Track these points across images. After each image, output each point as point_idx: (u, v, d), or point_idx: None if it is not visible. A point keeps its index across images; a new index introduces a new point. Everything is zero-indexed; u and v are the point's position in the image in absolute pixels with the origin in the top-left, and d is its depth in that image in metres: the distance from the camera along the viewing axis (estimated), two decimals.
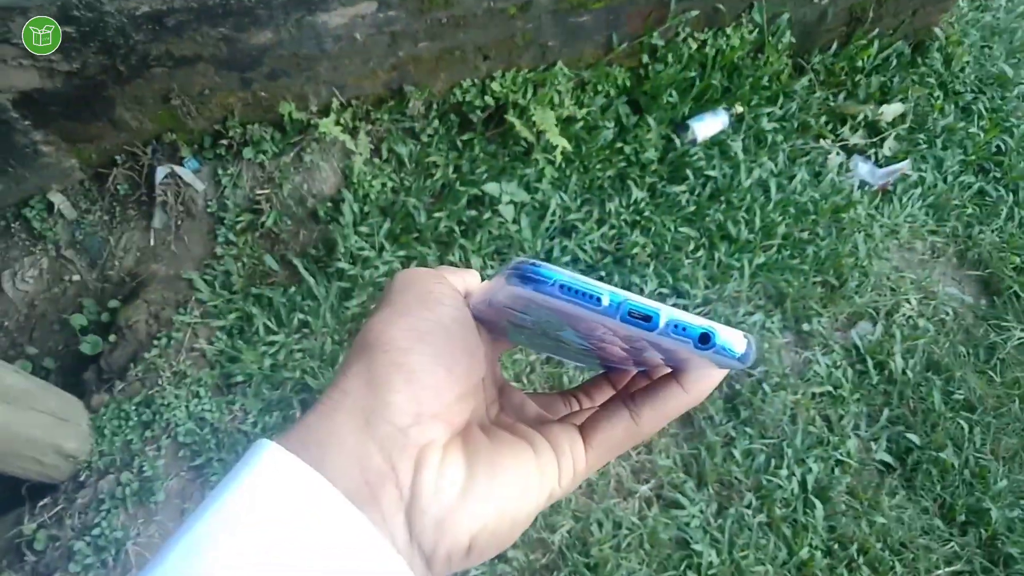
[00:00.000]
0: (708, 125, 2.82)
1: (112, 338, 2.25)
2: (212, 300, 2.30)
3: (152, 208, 2.41)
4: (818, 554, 2.15)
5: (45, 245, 2.38)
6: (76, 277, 2.39)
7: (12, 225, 2.38)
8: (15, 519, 1.96)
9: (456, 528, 0.36)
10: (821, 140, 3.01)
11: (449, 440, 0.38)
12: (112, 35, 2.02)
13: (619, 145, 2.74)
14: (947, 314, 2.71)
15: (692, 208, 2.68)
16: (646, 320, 0.33)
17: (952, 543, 2.25)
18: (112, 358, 2.21)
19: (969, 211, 2.97)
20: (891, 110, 3.09)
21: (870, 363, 2.53)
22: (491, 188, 2.50)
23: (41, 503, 1.97)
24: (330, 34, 2.28)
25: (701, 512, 2.18)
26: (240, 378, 2.18)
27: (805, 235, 2.72)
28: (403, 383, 0.36)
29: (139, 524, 1.93)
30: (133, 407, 2.08)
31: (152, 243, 2.40)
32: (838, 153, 3.00)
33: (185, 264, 2.39)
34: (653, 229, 2.61)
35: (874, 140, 3.06)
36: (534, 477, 0.41)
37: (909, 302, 2.70)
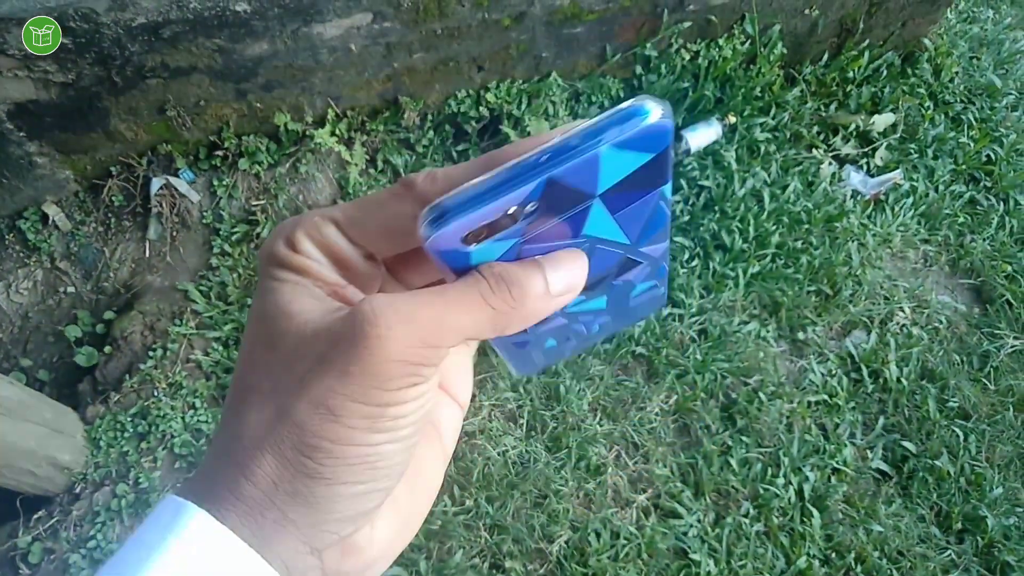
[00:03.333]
0: (701, 135, 2.83)
1: (107, 350, 2.24)
2: (208, 311, 2.29)
3: (147, 219, 2.40)
4: (816, 563, 2.15)
5: (39, 257, 2.37)
6: (71, 289, 2.38)
7: (6, 237, 2.37)
8: (10, 532, 1.95)
9: (377, 571, 0.36)
10: (813, 150, 3.03)
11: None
12: (108, 46, 2.03)
13: None
14: (940, 322, 2.72)
15: (686, 218, 2.69)
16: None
17: (949, 551, 2.25)
18: (107, 369, 2.20)
19: (960, 220, 2.99)
20: (882, 120, 3.11)
21: (865, 371, 2.54)
22: None
23: (36, 515, 1.96)
24: (325, 45, 2.29)
25: (699, 521, 2.18)
26: None
27: (799, 244, 2.74)
28: (334, 503, 0.32)
29: None
30: (128, 418, 2.07)
31: (147, 254, 2.40)
32: (830, 163, 3.02)
33: (180, 275, 2.38)
34: None
35: (866, 150, 3.08)
36: (441, 465, 0.40)
37: (903, 311, 2.71)
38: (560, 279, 0.34)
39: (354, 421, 0.31)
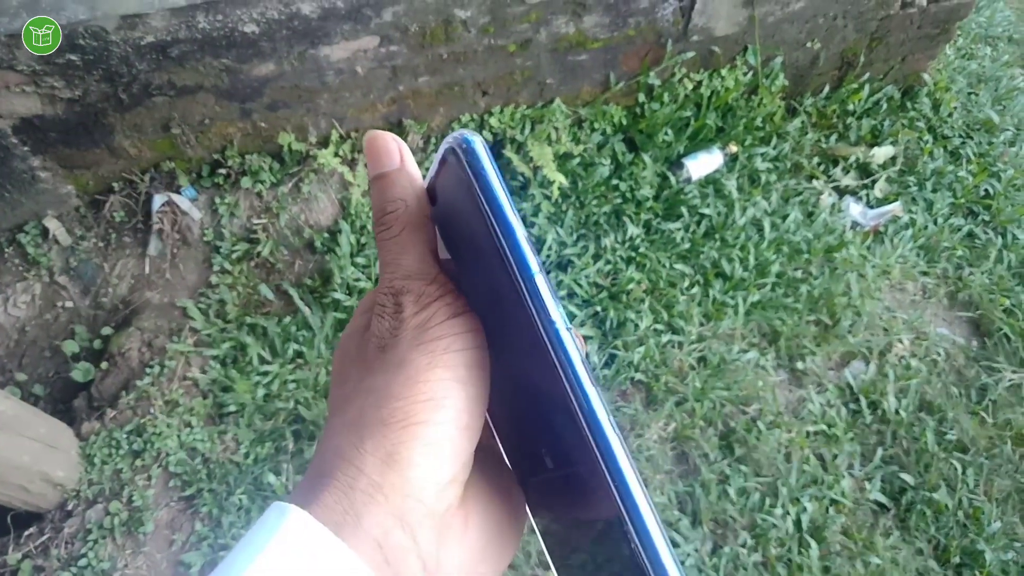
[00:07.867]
0: (703, 164, 2.85)
1: (104, 365, 2.22)
2: (206, 329, 2.29)
3: (147, 236, 2.40)
4: None
5: (38, 271, 2.36)
6: (69, 303, 2.37)
7: (6, 250, 2.36)
8: None
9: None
10: (814, 181, 3.05)
11: (464, 493, 0.37)
12: (115, 63, 2.04)
13: (615, 182, 2.76)
14: (939, 355, 2.72)
15: (687, 245, 2.70)
16: None
17: None
18: (103, 386, 2.18)
19: (959, 253, 3.00)
20: (882, 152, 3.13)
21: (863, 402, 2.53)
22: None
23: (27, 532, 1.93)
24: (331, 67, 2.30)
25: (696, 551, 2.16)
26: (233, 408, 2.15)
27: (798, 274, 2.74)
28: (422, 456, 0.34)
29: (127, 555, 1.90)
30: (124, 435, 2.05)
31: (147, 271, 2.39)
32: (830, 194, 3.04)
33: (179, 292, 2.37)
34: (648, 265, 2.62)
35: (865, 182, 3.10)
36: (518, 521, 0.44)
37: (901, 342, 2.71)
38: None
39: (420, 367, 0.36)
